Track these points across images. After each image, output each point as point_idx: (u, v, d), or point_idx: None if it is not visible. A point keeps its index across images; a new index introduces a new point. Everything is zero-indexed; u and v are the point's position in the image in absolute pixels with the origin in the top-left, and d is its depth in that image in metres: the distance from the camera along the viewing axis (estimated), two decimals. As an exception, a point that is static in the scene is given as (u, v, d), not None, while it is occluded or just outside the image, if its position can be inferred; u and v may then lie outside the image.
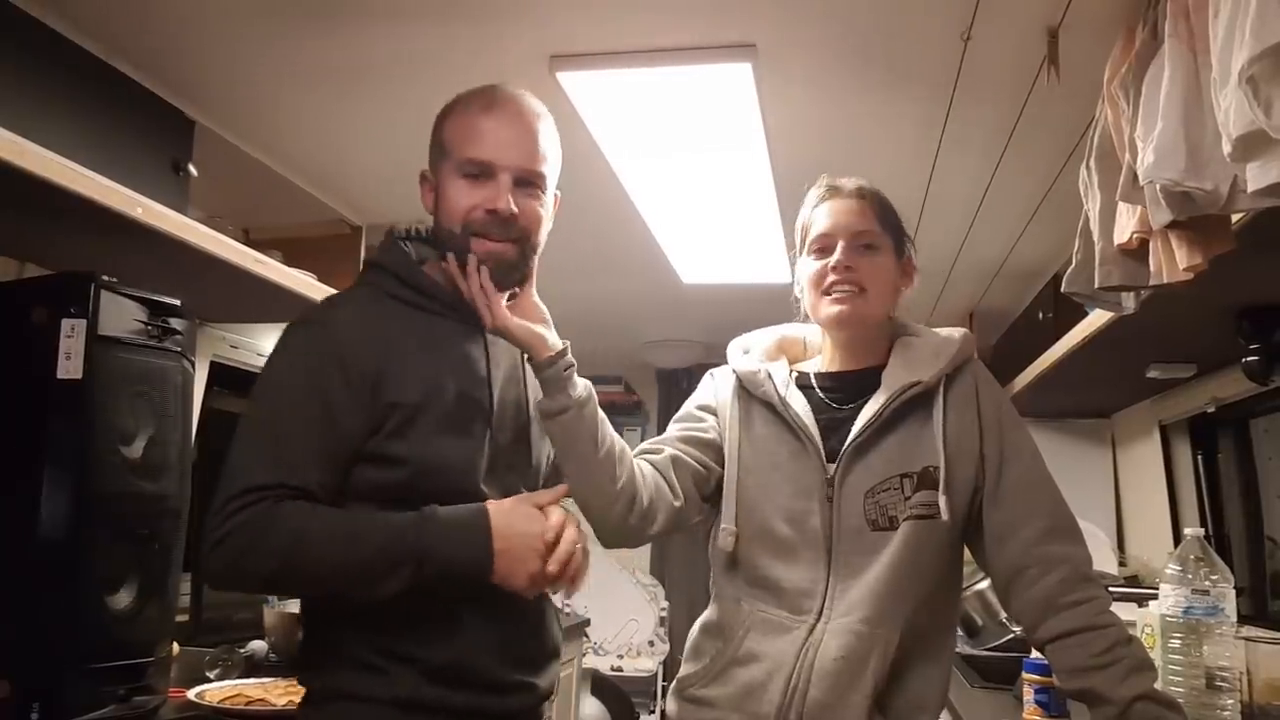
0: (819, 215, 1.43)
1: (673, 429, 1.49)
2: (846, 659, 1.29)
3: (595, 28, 1.73)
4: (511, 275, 1.30)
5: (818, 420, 1.39)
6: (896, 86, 1.92)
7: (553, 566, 1.19)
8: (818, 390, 1.44)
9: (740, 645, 1.37)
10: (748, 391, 1.45)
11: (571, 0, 1.66)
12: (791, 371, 1.47)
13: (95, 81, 1.73)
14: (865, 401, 1.38)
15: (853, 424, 1.37)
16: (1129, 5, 1.52)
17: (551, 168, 1.34)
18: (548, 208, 1.34)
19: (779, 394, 1.41)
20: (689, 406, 1.51)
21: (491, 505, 1.21)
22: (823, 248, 1.41)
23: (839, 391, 1.43)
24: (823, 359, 1.49)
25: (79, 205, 1.48)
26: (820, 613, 1.33)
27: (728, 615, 1.41)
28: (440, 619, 1.21)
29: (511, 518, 1.20)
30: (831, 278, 1.38)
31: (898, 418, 1.36)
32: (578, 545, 1.22)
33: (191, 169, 1.91)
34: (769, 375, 1.44)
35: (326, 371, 1.19)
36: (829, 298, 1.39)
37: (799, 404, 1.41)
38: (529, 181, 1.30)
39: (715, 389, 1.50)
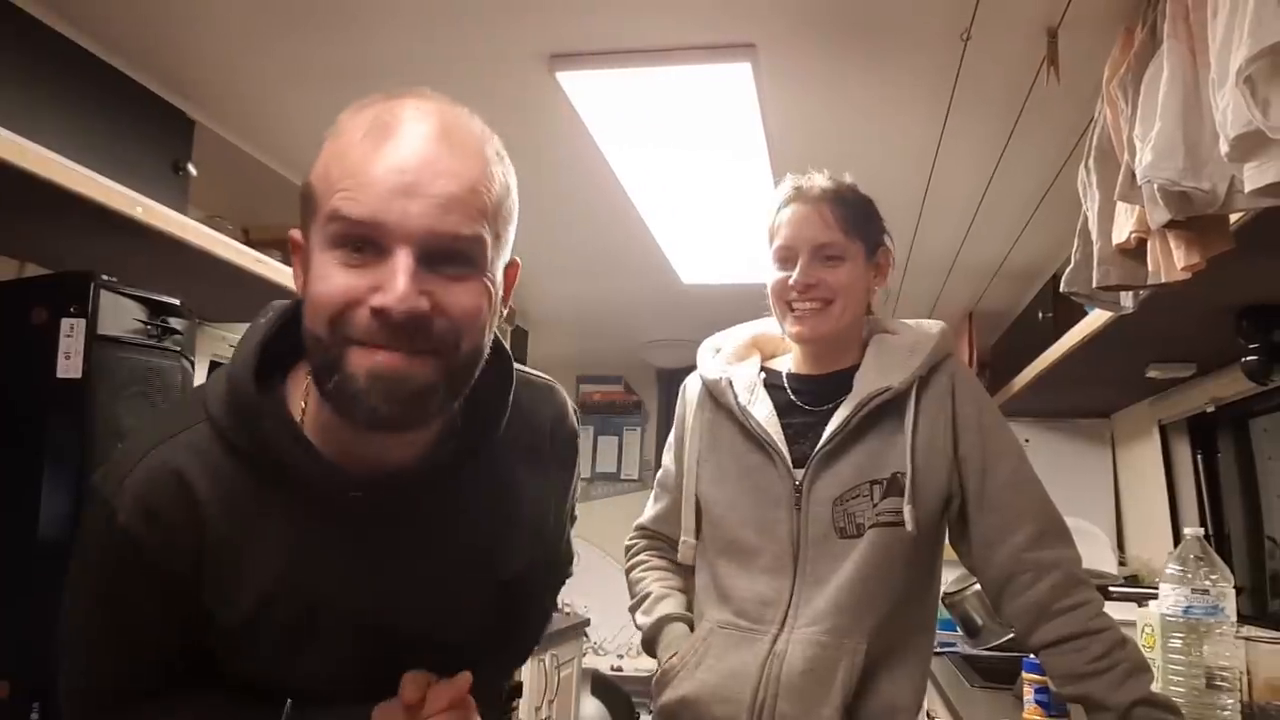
0: (782, 222, 1.39)
1: (658, 505, 1.54)
2: (814, 672, 1.27)
3: (595, 27, 1.73)
4: (428, 406, 0.83)
5: (786, 425, 1.37)
6: (896, 86, 1.92)
7: None
8: (788, 391, 1.42)
9: (703, 659, 1.36)
10: (714, 399, 1.44)
11: (571, 0, 1.66)
12: (761, 371, 1.46)
13: (95, 81, 1.73)
14: (836, 405, 1.36)
15: (823, 428, 1.34)
16: (1128, 5, 1.52)
17: (498, 227, 0.84)
18: (493, 294, 0.85)
19: (739, 404, 1.39)
20: (668, 444, 1.53)
21: (378, 713, 0.91)
22: (785, 259, 1.38)
23: (809, 394, 1.40)
24: (794, 359, 1.47)
25: (79, 205, 1.48)
26: (784, 622, 1.31)
27: (697, 624, 1.42)
28: None
29: None
30: (793, 294, 1.36)
31: (868, 424, 1.33)
32: None
33: (191, 169, 1.91)
34: (730, 384, 1.42)
35: (127, 581, 0.88)
36: (792, 314, 1.37)
37: (763, 411, 1.39)
38: (450, 255, 0.80)
39: (682, 408, 1.50)
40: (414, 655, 0.92)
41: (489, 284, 0.83)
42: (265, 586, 0.88)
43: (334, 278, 0.79)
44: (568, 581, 1.25)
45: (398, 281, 0.77)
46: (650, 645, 1.46)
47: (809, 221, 1.37)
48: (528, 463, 1.01)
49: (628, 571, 1.56)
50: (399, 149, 0.80)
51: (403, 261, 0.78)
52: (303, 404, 0.89)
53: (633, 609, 1.50)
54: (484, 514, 0.97)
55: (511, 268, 0.91)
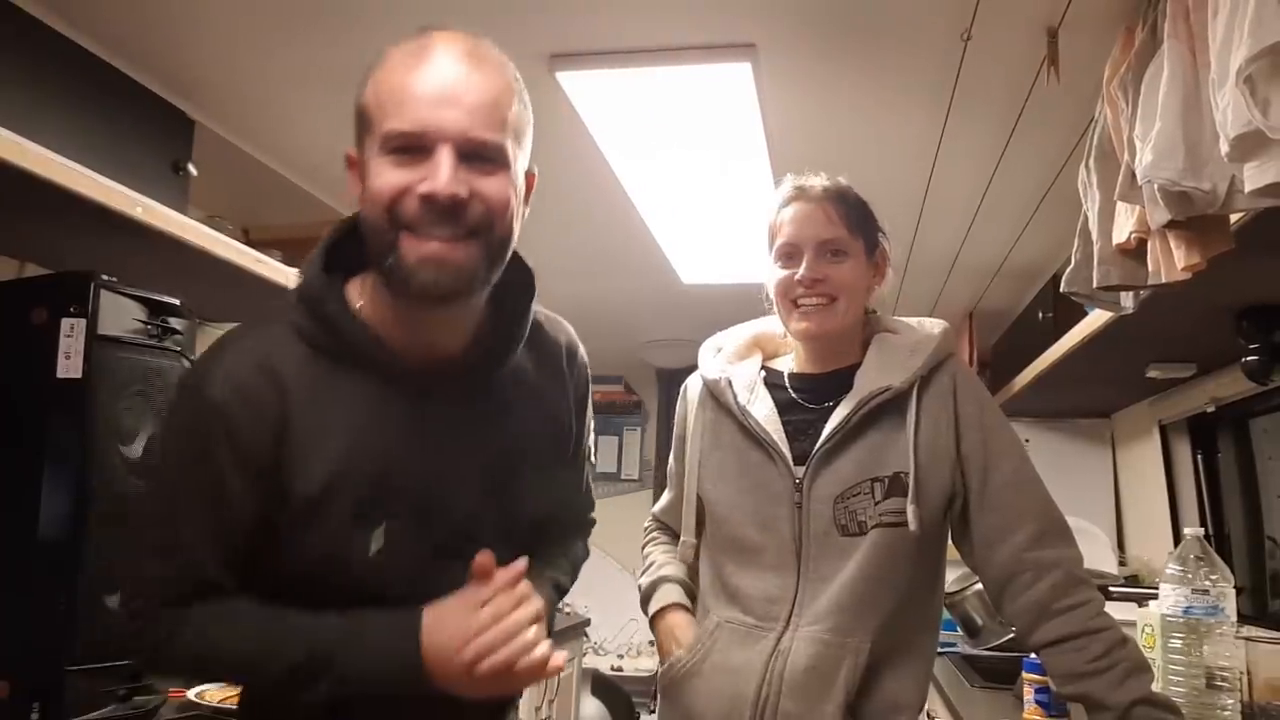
0: (785, 220, 1.40)
1: (666, 497, 1.58)
2: (816, 669, 1.28)
3: (595, 27, 1.73)
4: (473, 284, 0.99)
5: (787, 423, 1.38)
6: (896, 86, 1.92)
7: (483, 667, 0.95)
8: (789, 390, 1.42)
9: (708, 655, 1.36)
10: (715, 399, 1.45)
11: (571, 0, 1.66)
12: (762, 370, 1.46)
13: (95, 81, 1.74)
14: (837, 403, 1.36)
15: (823, 426, 1.35)
16: (1128, 5, 1.52)
17: (518, 135, 1.01)
18: (517, 188, 1.01)
19: (738, 404, 1.40)
20: (674, 442, 1.54)
21: (428, 612, 0.98)
22: (789, 255, 1.39)
23: (810, 392, 1.41)
24: (795, 358, 1.48)
25: (79, 205, 1.48)
26: (788, 620, 1.32)
27: (700, 622, 1.42)
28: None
29: (445, 621, 0.98)
30: (799, 290, 1.36)
31: (868, 422, 1.34)
32: (516, 636, 0.97)
33: (191, 168, 1.91)
34: (729, 383, 1.43)
35: (212, 450, 0.98)
36: (798, 311, 1.37)
37: (762, 410, 1.39)
38: (481, 154, 0.96)
39: (684, 408, 1.52)
40: (465, 544, 1.01)
41: (513, 180, 1.00)
42: (336, 462, 0.99)
43: (388, 174, 0.96)
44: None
45: (441, 172, 0.94)
46: (645, 603, 1.52)
47: (813, 218, 1.38)
48: (549, 373, 1.18)
49: (641, 548, 1.62)
50: (437, 68, 0.97)
51: (445, 157, 0.95)
52: (359, 301, 1.05)
53: (639, 576, 1.57)
54: (516, 412, 1.12)
55: (530, 176, 1.06)
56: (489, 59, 1.01)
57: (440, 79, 0.96)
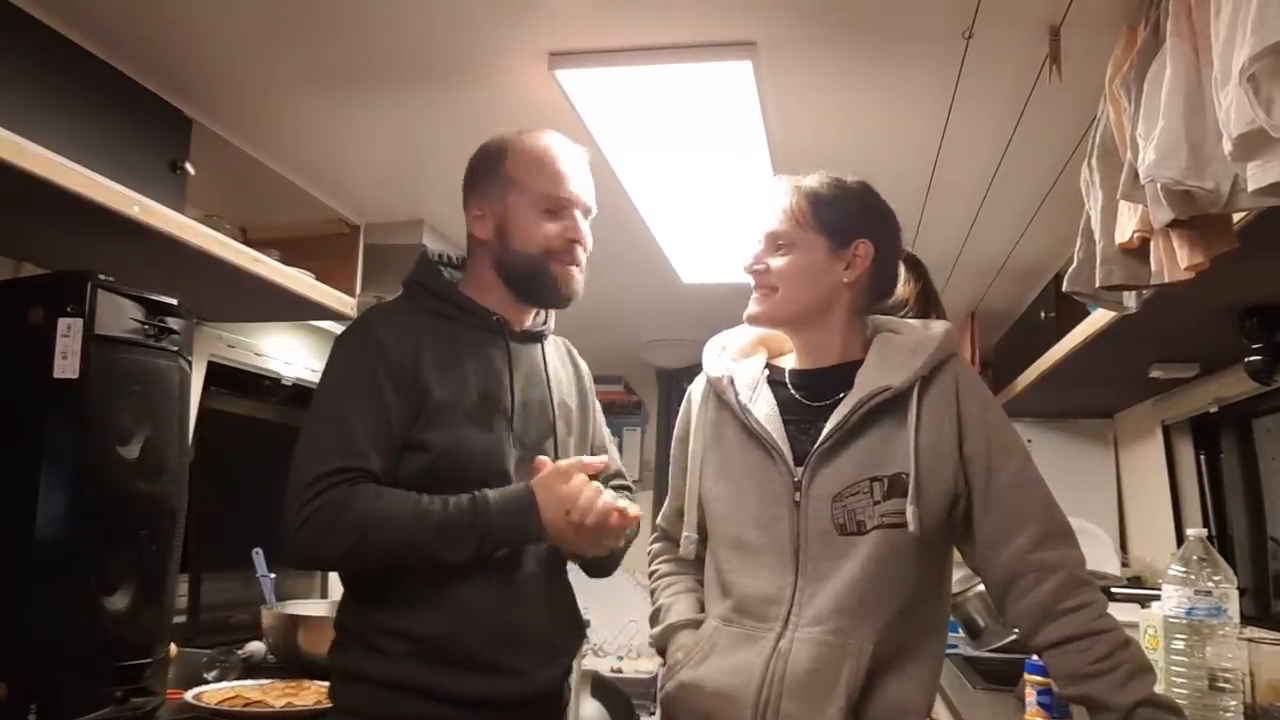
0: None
1: (667, 503, 1.56)
2: (818, 671, 1.26)
3: (594, 25, 1.72)
4: (575, 296, 1.54)
5: (789, 421, 1.38)
6: (897, 85, 1.91)
7: (590, 521, 1.34)
8: (790, 388, 1.42)
9: (708, 654, 1.36)
10: (718, 397, 1.45)
11: (570, -1, 1.66)
12: (766, 369, 1.46)
13: (93, 80, 1.73)
14: (837, 401, 1.35)
15: (823, 425, 1.34)
16: (1131, 3, 1.52)
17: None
18: None
19: (739, 402, 1.40)
20: (674, 444, 1.54)
21: (534, 482, 1.36)
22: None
23: (809, 388, 1.41)
24: (794, 355, 1.48)
25: (76, 204, 1.48)
26: (787, 619, 1.31)
27: (703, 623, 1.41)
28: (439, 596, 1.34)
29: (551, 488, 1.35)
30: (751, 278, 1.44)
31: (868, 421, 1.33)
32: (599, 503, 1.36)
33: (189, 168, 1.91)
34: (731, 381, 1.43)
35: (374, 368, 1.36)
36: (750, 297, 1.44)
37: (763, 409, 1.39)
38: (585, 217, 1.55)
39: (687, 406, 1.52)
40: (539, 450, 1.45)
41: None
42: (457, 378, 1.40)
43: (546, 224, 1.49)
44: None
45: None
46: (661, 654, 1.48)
47: (769, 212, 1.43)
48: (569, 361, 1.66)
49: (649, 576, 1.59)
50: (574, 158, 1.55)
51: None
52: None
53: (650, 622, 1.53)
54: (559, 374, 1.58)
55: None
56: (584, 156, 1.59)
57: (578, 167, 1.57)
